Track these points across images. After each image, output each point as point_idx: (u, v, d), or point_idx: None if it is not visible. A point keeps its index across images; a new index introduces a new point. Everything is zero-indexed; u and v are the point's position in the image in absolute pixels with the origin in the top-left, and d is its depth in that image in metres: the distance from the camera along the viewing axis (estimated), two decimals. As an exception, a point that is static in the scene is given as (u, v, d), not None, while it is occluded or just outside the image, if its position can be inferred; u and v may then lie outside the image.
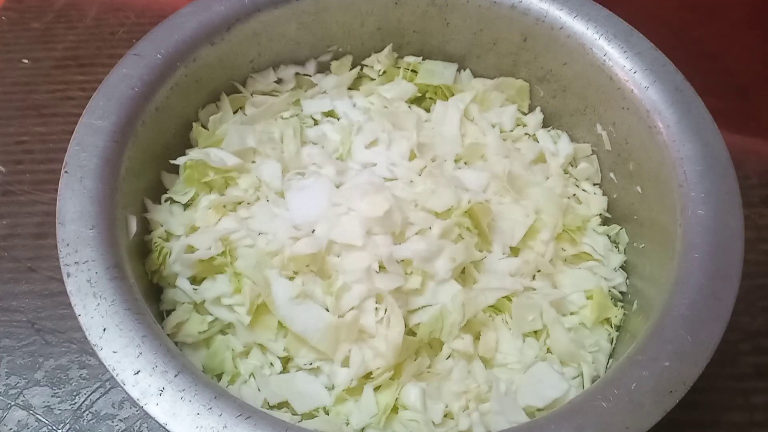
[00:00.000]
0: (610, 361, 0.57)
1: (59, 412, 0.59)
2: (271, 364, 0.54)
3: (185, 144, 0.64)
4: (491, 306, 0.56)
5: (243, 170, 0.61)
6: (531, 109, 0.72)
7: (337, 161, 0.63)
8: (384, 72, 0.72)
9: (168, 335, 0.51)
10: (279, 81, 0.71)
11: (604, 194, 0.66)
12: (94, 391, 0.60)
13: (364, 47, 0.72)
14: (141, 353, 0.44)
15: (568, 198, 0.64)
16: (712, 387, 0.61)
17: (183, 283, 0.55)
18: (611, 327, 0.58)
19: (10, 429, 0.58)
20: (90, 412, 0.59)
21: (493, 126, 0.68)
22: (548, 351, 0.56)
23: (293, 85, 0.71)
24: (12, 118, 0.78)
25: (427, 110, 0.69)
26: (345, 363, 0.53)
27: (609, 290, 0.60)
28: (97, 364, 0.61)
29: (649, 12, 0.82)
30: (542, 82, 0.69)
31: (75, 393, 0.60)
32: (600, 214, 0.64)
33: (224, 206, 0.59)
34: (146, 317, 0.46)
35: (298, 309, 0.53)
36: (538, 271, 0.59)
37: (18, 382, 0.60)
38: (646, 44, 0.60)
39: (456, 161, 0.65)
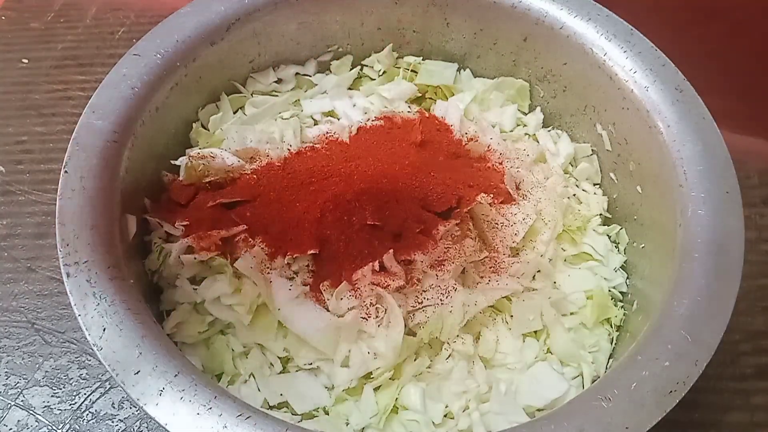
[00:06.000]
0: (610, 361, 0.57)
1: (59, 412, 0.59)
2: (271, 364, 0.54)
3: (185, 144, 0.64)
4: (491, 306, 0.56)
5: (243, 170, 0.61)
6: (531, 109, 0.72)
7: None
8: (384, 72, 0.73)
9: (168, 335, 0.51)
10: (279, 81, 0.71)
11: (604, 194, 0.66)
12: (93, 392, 0.60)
13: (364, 47, 0.72)
14: (141, 353, 0.44)
15: (568, 198, 0.64)
16: (712, 387, 0.61)
17: (183, 283, 0.55)
18: (611, 327, 0.58)
19: (10, 429, 0.58)
20: (90, 413, 0.59)
21: (493, 126, 0.68)
22: (548, 351, 0.56)
23: (293, 85, 0.71)
24: (11, 117, 0.78)
25: (427, 110, 0.69)
26: (345, 363, 0.53)
27: (609, 290, 0.60)
28: (97, 364, 0.61)
29: (649, 12, 0.82)
30: (542, 82, 0.69)
31: (75, 393, 0.60)
32: (600, 214, 0.64)
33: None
34: (146, 317, 0.46)
35: (298, 309, 0.53)
36: (539, 271, 0.59)
37: (18, 382, 0.60)
38: (646, 44, 0.60)
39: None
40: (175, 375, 0.43)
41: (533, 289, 0.58)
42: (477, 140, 0.65)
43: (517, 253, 0.59)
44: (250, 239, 0.56)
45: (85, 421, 0.58)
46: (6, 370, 0.61)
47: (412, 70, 0.72)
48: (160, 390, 0.42)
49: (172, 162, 0.61)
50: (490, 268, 0.58)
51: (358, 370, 0.52)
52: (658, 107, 0.57)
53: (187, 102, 0.63)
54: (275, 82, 0.70)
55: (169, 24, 0.61)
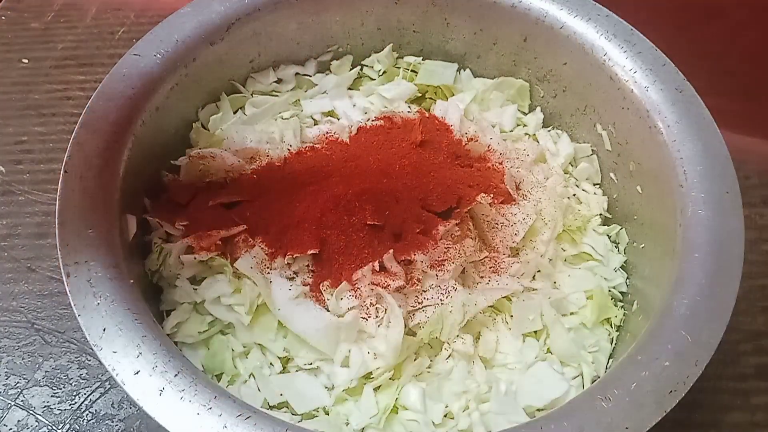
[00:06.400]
0: (610, 361, 0.57)
1: (59, 412, 0.59)
2: (271, 364, 0.54)
3: (185, 144, 0.64)
4: (491, 306, 0.56)
5: (243, 170, 0.61)
6: (531, 109, 0.72)
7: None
8: (384, 72, 0.73)
9: (168, 335, 0.51)
10: (279, 81, 0.71)
11: (604, 194, 0.66)
12: (93, 392, 0.60)
13: (364, 47, 0.72)
14: (141, 353, 0.44)
15: (568, 198, 0.64)
16: (712, 387, 0.61)
17: (183, 283, 0.55)
18: (611, 327, 0.58)
19: (10, 429, 0.58)
20: (89, 413, 0.59)
21: (493, 126, 0.68)
22: (548, 351, 0.56)
23: (293, 85, 0.71)
24: (11, 118, 0.78)
25: (427, 110, 0.69)
26: (345, 363, 0.53)
27: (609, 290, 0.60)
28: (97, 364, 0.61)
29: (649, 12, 0.82)
30: (542, 82, 0.69)
31: (75, 393, 0.60)
32: (600, 214, 0.65)
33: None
34: (146, 317, 0.46)
35: (298, 309, 0.53)
36: (538, 271, 0.59)
37: (18, 382, 0.60)
38: (646, 44, 0.60)
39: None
40: (175, 375, 0.43)
41: (533, 289, 0.58)
42: (477, 140, 0.65)
43: (517, 253, 0.59)
44: (250, 239, 0.56)
45: (85, 421, 0.58)
46: (6, 370, 0.61)
47: (412, 70, 0.72)
48: (160, 390, 0.42)
49: (172, 162, 0.61)
50: (490, 268, 0.58)
51: (358, 370, 0.52)
52: (658, 107, 0.57)
53: (187, 102, 0.63)
54: (275, 82, 0.70)
55: (169, 24, 0.61)
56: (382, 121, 0.65)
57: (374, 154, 0.61)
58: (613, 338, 0.58)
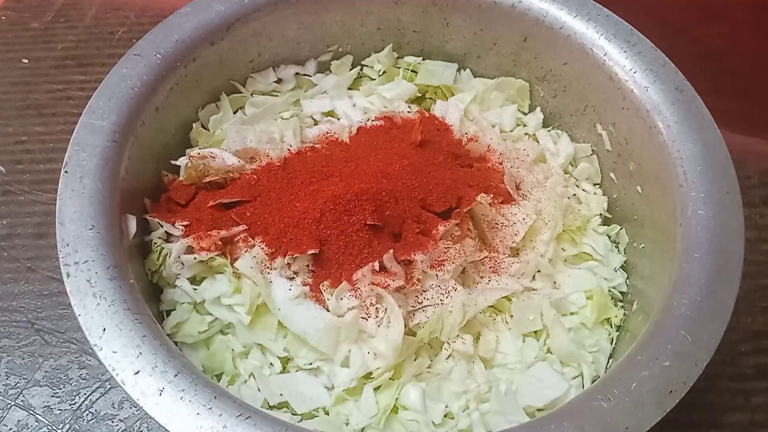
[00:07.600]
0: (610, 361, 0.57)
1: (59, 412, 0.59)
2: (271, 364, 0.54)
3: (185, 144, 0.64)
4: (491, 306, 0.56)
5: (243, 170, 0.61)
6: (531, 109, 0.72)
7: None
8: (384, 72, 0.73)
9: (168, 335, 0.51)
10: (279, 81, 0.71)
11: (604, 194, 0.66)
12: (93, 392, 0.60)
13: (364, 47, 0.72)
14: (141, 353, 0.44)
15: (568, 198, 0.64)
16: (712, 387, 0.61)
17: (183, 283, 0.55)
18: (611, 327, 0.58)
19: (10, 429, 0.58)
20: (90, 413, 0.59)
21: (493, 126, 0.68)
22: (548, 351, 0.56)
23: (293, 85, 0.71)
24: (11, 117, 0.78)
25: (427, 110, 0.69)
26: (345, 363, 0.53)
27: (609, 290, 0.60)
28: (97, 364, 0.61)
29: (649, 12, 0.82)
30: (542, 82, 0.69)
31: (75, 393, 0.60)
32: (600, 214, 0.65)
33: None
34: (146, 317, 0.46)
35: (298, 309, 0.53)
36: (539, 271, 0.59)
37: (18, 382, 0.60)
38: (646, 44, 0.60)
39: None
40: (175, 375, 0.43)
41: (533, 289, 0.58)
42: (477, 140, 0.65)
43: (517, 253, 0.59)
44: (250, 239, 0.56)
45: (85, 421, 0.58)
46: (6, 370, 0.61)
47: (412, 70, 0.72)
48: (160, 390, 0.42)
49: (172, 162, 0.61)
50: (490, 268, 0.58)
51: (358, 370, 0.52)
52: (658, 107, 0.57)
53: (187, 102, 0.63)
54: (275, 82, 0.70)
55: (169, 24, 0.61)
56: (382, 121, 0.65)
57: (374, 154, 0.61)
58: (613, 338, 0.58)
